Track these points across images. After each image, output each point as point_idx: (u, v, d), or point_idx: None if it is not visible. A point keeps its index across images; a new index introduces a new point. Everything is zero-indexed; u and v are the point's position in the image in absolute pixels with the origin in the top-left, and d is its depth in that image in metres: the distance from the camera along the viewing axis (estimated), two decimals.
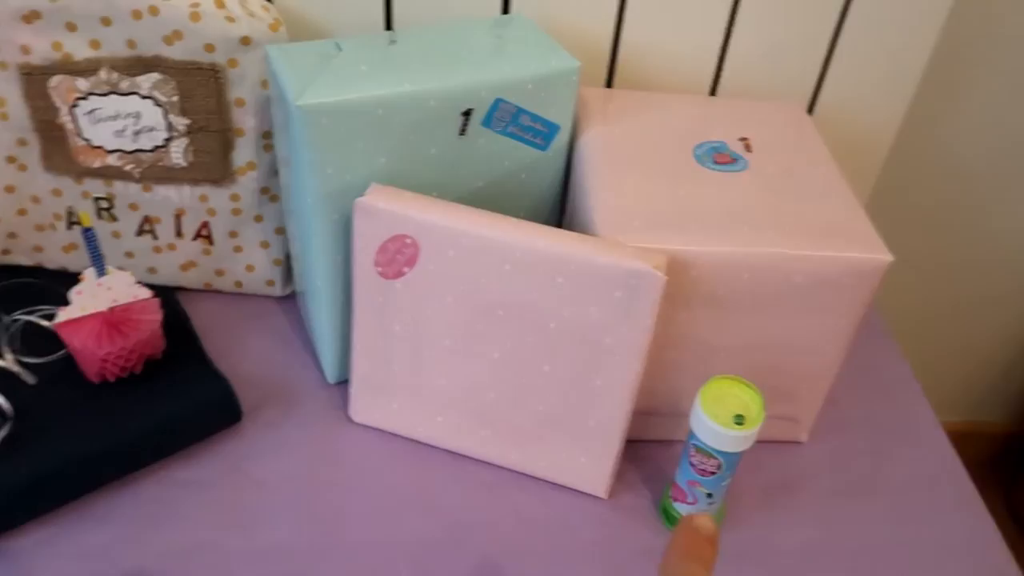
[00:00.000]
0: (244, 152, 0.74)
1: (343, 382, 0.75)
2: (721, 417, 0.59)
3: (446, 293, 0.62)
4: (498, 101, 0.65)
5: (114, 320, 0.69)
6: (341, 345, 0.72)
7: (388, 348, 0.67)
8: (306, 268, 0.71)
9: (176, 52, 0.69)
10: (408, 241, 0.61)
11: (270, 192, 0.77)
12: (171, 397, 0.70)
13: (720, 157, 0.71)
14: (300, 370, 0.77)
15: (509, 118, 0.67)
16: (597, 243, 0.60)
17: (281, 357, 0.78)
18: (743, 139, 0.74)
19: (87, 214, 0.66)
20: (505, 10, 0.78)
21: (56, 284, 0.78)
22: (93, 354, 0.68)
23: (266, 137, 0.74)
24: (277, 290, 0.83)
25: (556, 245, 0.58)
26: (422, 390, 0.68)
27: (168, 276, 0.81)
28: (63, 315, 0.69)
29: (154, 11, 0.67)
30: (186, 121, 0.72)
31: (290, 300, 0.84)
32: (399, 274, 0.63)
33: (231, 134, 0.73)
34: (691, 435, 0.62)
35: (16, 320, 0.74)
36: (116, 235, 0.78)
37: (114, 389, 0.70)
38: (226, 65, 0.70)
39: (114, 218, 0.77)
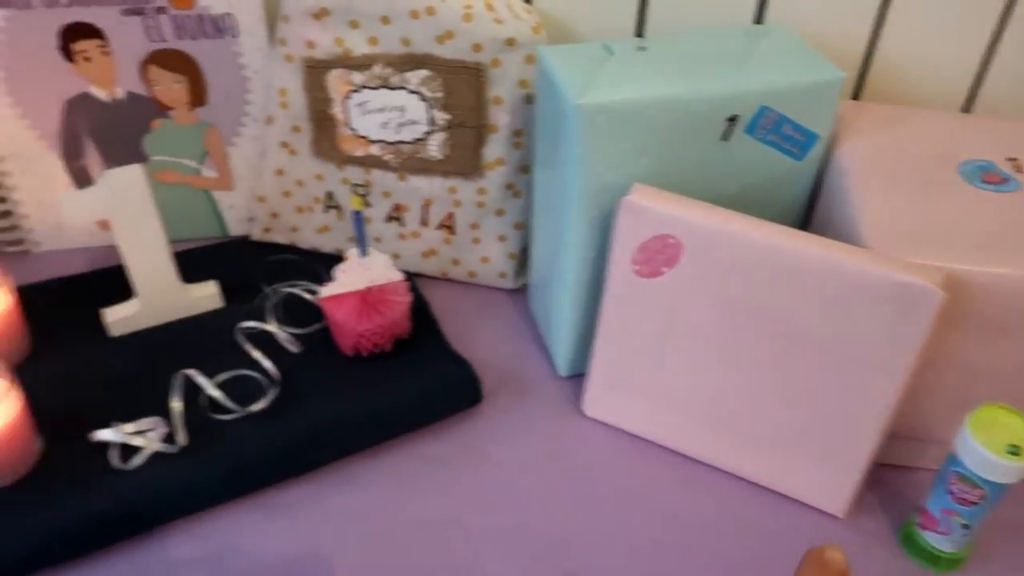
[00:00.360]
0: (495, 148, 0.77)
1: (573, 376, 0.77)
2: (993, 445, 0.57)
3: (703, 295, 0.63)
4: (764, 109, 0.65)
5: (371, 299, 0.74)
6: (577, 340, 0.74)
7: (632, 346, 0.68)
8: (553, 263, 0.73)
9: (446, 51, 0.73)
10: (671, 241, 0.62)
11: (514, 188, 0.80)
12: (419, 375, 0.74)
13: (989, 176, 0.68)
14: (530, 361, 0.80)
15: (771, 126, 0.66)
16: (870, 255, 0.58)
17: (512, 347, 0.81)
18: (1012, 159, 0.70)
19: (358, 198, 0.71)
20: (758, 20, 0.78)
21: (311, 262, 0.85)
22: (353, 329, 0.73)
23: (517, 135, 0.77)
24: (508, 283, 0.86)
25: (828, 253, 0.58)
26: (661, 390, 0.69)
27: (410, 262, 0.85)
28: (327, 290, 0.75)
29: (431, 11, 0.71)
30: (447, 116, 0.76)
31: (518, 293, 0.87)
32: (657, 273, 0.64)
33: (485, 130, 0.76)
34: (953, 461, 0.59)
35: (280, 291, 0.81)
36: (367, 220, 0.84)
37: (366, 363, 0.75)
38: (489, 64, 0.73)
39: (367, 204, 0.83)
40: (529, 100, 0.75)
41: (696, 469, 0.71)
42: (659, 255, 0.63)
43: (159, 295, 0.77)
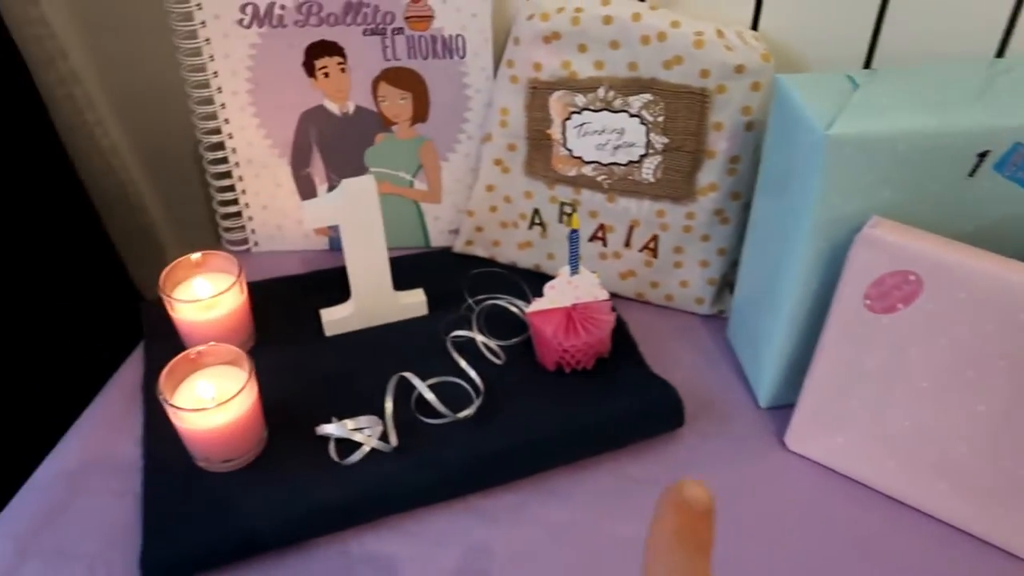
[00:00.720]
0: (709, 174, 0.77)
1: (775, 407, 0.76)
2: None
3: (941, 335, 0.60)
4: (1017, 146, 0.62)
5: (577, 316, 0.76)
6: (784, 371, 0.73)
7: (851, 382, 0.66)
8: (766, 291, 0.72)
9: (672, 76, 0.74)
10: (912, 278, 0.60)
11: (723, 214, 0.80)
12: (622, 394, 0.74)
13: None
14: (729, 389, 0.79)
15: (1021, 162, 0.63)
16: None
17: (709, 373, 0.80)
18: None
19: (577, 216, 0.73)
20: (1000, 53, 0.75)
21: (512, 276, 0.87)
22: (559, 344, 0.74)
23: (733, 161, 0.77)
24: (704, 308, 0.85)
25: None
26: (879, 430, 0.67)
27: (608, 282, 0.86)
28: (535, 305, 0.76)
29: (662, 37, 0.72)
30: (664, 140, 0.77)
31: (713, 319, 0.86)
32: (891, 309, 0.62)
33: (702, 156, 0.77)
34: None
35: (486, 303, 0.83)
36: None
37: (568, 379, 0.76)
38: (714, 91, 0.73)
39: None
40: (750, 127, 0.75)
41: (911, 516, 0.68)
42: (896, 291, 0.61)
43: (373, 299, 0.81)
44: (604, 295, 0.77)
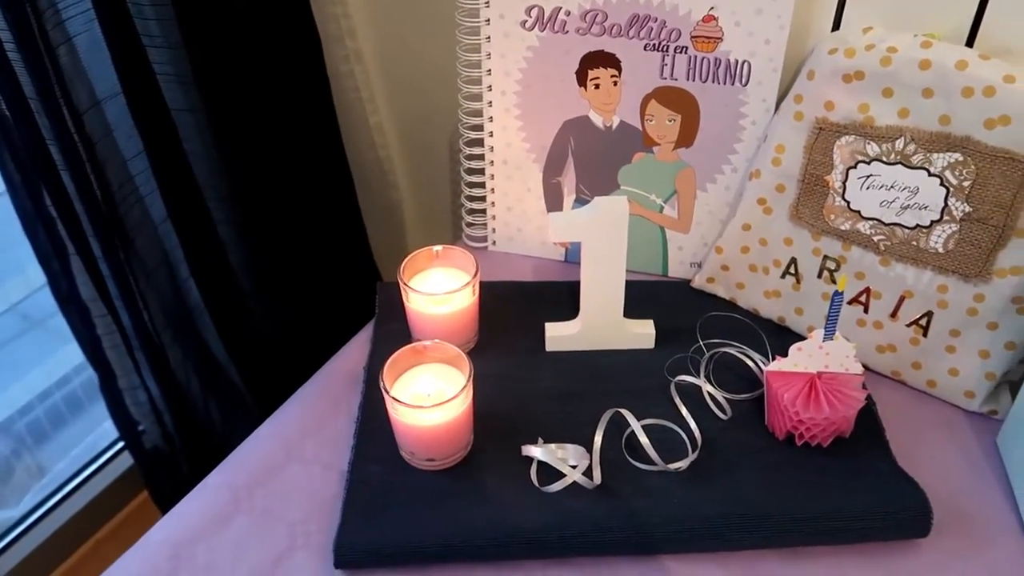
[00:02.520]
0: (1013, 255, 0.66)
1: None
2: None
3: None
4: None
5: (822, 386, 0.68)
6: None
7: None
8: None
9: (992, 137, 0.64)
10: None
11: (1022, 303, 0.68)
12: (860, 484, 0.66)
13: None
14: (990, 504, 0.67)
15: None
16: None
17: (968, 481, 0.69)
18: None
19: (845, 278, 0.65)
20: None
21: (752, 325, 0.80)
22: (796, 414, 0.67)
23: None
24: (974, 404, 0.74)
25: None
26: None
27: (860, 352, 0.77)
28: (777, 364, 0.69)
29: (989, 92, 0.63)
30: (966, 208, 0.66)
31: (981, 419, 0.74)
32: None
33: (1009, 232, 0.66)
34: None
35: (719, 349, 0.77)
36: (825, 297, 0.77)
37: (799, 453, 0.69)
38: None
39: (832, 280, 0.76)
40: None
41: None
42: None
43: (601, 322, 0.78)
44: (858, 368, 0.69)
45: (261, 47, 0.88)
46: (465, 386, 0.66)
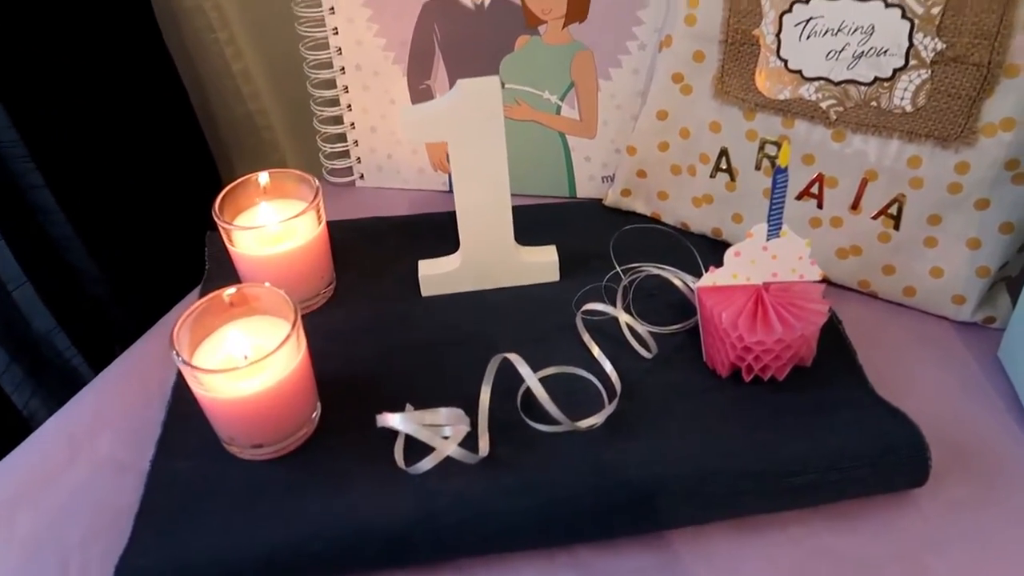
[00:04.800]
0: (1004, 103, 0.50)
1: None
2: None
3: None
4: None
5: (771, 300, 0.51)
6: None
7: None
8: None
9: None
10: None
11: (1018, 168, 0.52)
12: (829, 423, 0.49)
13: None
14: (1001, 435, 0.51)
15: None
16: None
17: (970, 409, 0.53)
18: None
19: (787, 147, 0.48)
20: None
21: (681, 239, 0.63)
22: (740, 339, 0.50)
23: None
24: (964, 312, 0.58)
25: None
26: None
27: (816, 257, 0.60)
28: (709, 278, 0.53)
29: None
30: (939, 45, 0.50)
31: (975, 330, 0.58)
32: None
33: (996, 72, 0.49)
34: None
35: (639, 272, 0.60)
36: (766, 194, 0.60)
37: (748, 392, 0.52)
38: None
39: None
40: None
41: None
42: None
43: (487, 254, 0.61)
44: (815, 273, 0.52)
45: None
46: (289, 335, 0.48)
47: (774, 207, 0.50)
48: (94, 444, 0.54)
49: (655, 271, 0.60)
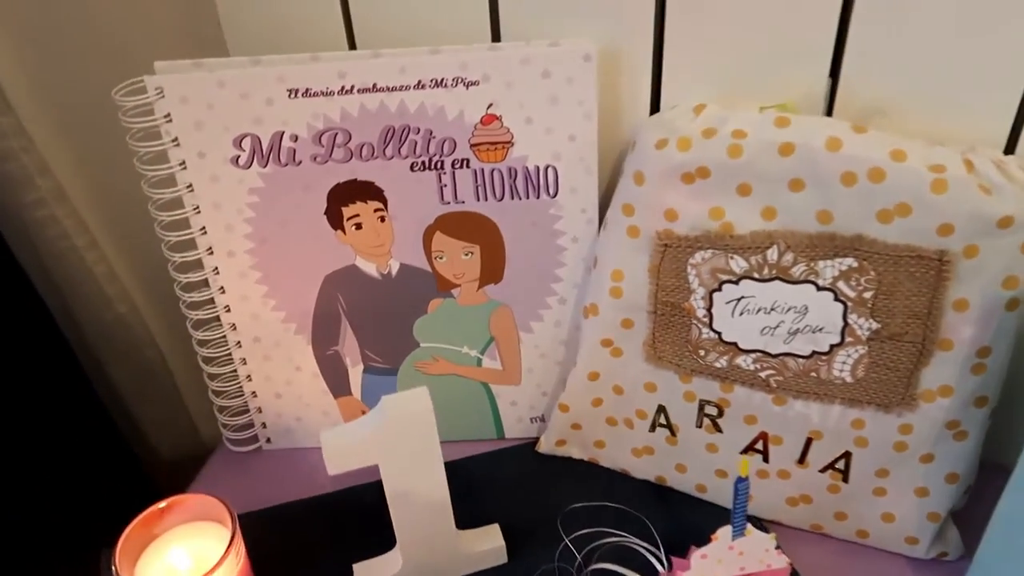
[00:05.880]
0: (940, 372, 0.50)
1: None
2: None
3: None
4: None
5: None
6: None
7: None
8: None
9: (891, 233, 0.47)
10: None
11: (959, 427, 0.52)
12: None
13: None
14: None
15: None
16: None
17: None
18: None
19: (747, 462, 0.47)
20: None
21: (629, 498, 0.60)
22: None
23: (980, 355, 0.49)
24: (919, 551, 0.57)
25: None
26: None
27: (765, 507, 0.59)
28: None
29: (876, 176, 0.46)
30: (873, 325, 0.50)
31: (935, 564, 0.58)
32: None
33: (931, 347, 0.49)
34: None
35: (596, 554, 0.57)
36: (711, 448, 0.58)
37: None
38: (960, 254, 0.47)
39: (717, 428, 0.58)
40: (1013, 305, 0.48)
41: None
42: None
43: (428, 550, 0.55)
44: (783, 561, 0.50)
45: None
46: (232, 542, 0.41)
47: (737, 512, 0.48)
48: None
49: (613, 543, 0.57)
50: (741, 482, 0.47)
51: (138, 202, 0.76)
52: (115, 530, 0.53)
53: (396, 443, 0.50)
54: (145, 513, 0.52)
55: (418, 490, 0.52)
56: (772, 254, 0.50)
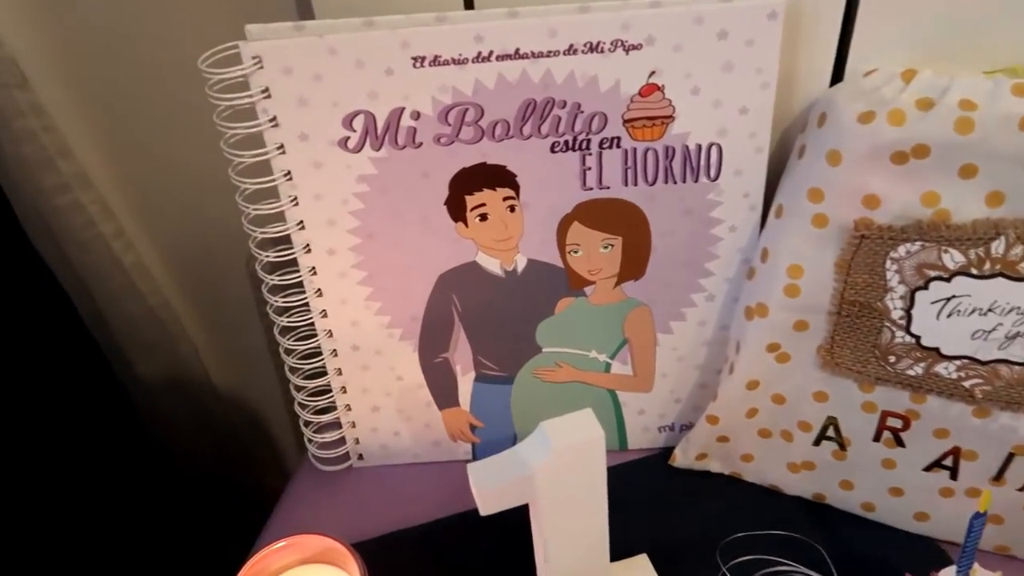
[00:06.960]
0: None
1: None
2: None
3: None
4: None
5: None
6: None
7: None
8: None
9: None
10: None
11: None
12: None
13: None
14: None
15: None
16: None
17: None
18: None
19: (989, 495, 0.40)
20: None
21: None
22: None
23: None
24: None
25: None
26: None
27: (941, 527, 0.52)
28: None
29: None
30: None
31: None
32: None
33: None
34: None
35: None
36: (888, 464, 0.51)
37: None
38: None
39: (898, 443, 0.50)
40: None
41: None
42: None
43: None
44: None
45: None
46: None
47: (966, 550, 0.41)
48: None
49: (778, 570, 0.50)
50: (978, 518, 0.40)
51: (167, 188, 0.68)
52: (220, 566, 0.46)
53: (562, 479, 0.42)
54: (262, 553, 0.45)
55: (575, 525, 0.45)
56: (998, 246, 0.43)
